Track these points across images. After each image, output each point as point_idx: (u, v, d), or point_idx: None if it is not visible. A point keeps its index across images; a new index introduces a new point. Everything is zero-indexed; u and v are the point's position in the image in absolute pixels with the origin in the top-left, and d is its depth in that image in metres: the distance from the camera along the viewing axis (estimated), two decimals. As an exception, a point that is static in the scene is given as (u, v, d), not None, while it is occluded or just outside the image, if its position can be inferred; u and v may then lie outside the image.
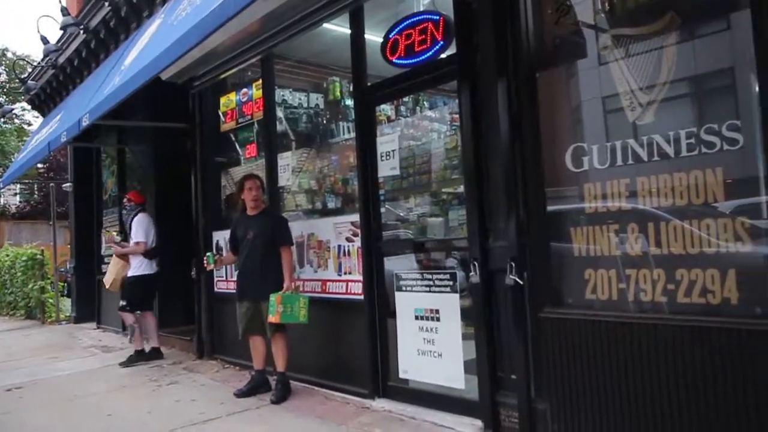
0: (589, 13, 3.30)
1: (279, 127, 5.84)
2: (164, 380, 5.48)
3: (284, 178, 5.56)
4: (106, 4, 7.54)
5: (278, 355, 4.50)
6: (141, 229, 6.33)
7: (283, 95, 5.94)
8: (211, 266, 4.99)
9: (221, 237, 5.86)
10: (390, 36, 4.20)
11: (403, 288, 4.07)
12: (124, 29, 7.68)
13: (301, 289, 4.72)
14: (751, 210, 2.61)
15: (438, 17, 3.89)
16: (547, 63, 3.44)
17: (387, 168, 4.36)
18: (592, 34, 3.28)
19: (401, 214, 4.71)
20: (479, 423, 3.45)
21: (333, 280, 4.69)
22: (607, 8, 3.24)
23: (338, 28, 4.82)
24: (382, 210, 4.49)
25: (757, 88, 2.56)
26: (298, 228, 5.03)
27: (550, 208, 3.34)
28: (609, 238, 3.08)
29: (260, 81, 5.75)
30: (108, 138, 9.30)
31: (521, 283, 3.26)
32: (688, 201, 2.79)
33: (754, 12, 2.56)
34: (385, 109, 4.84)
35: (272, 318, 4.31)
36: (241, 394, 4.60)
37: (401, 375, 4.10)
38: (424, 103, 5.01)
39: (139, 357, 6.31)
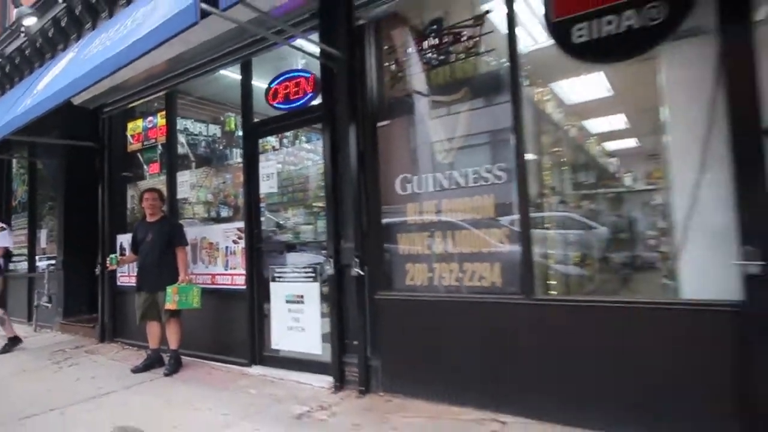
0: (415, 83, 3.54)
1: (180, 150, 5.45)
2: (66, 363, 4.75)
3: (183, 192, 5.19)
4: (22, 34, 6.50)
5: (171, 337, 4.15)
6: None
7: (185, 124, 5.58)
8: (114, 266, 4.47)
9: (125, 239, 5.28)
10: (272, 85, 4.13)
11: (277, 279, 3.99)
12: (38, 58, 6.68)
13: (194, 281, 4.42)
14: (509, 223, 2.97)
15: (309, 75, 3.91)
16: (385, 116, 3.61)
17: (267, 186, 4.29)
18: (417, 98, 3.51)
19: (280, 222, 4.65)
20: (330, 379, 3.47)
21: (221, 274, 4.46)
22: (426, 81, 3.49)
23: (232, 74, 4.64)
24: (263, 219, 4.39)
25: (513, 143, 2.92)
26: (193, 232, 4.71)
27: (384, 220, 3.50)
28: (423, 241, 3.31)
29: (164, 112, 5.31)
30: (20, 150, 7.94)
31: (363, 274, 3.36)
32: (473, 216, 3.11)
33: (512, 93, 2.93)
34: (271, 140, 4.74)
35: (169, 305, 3.98)
36: (138, 370, 4.16)
37: (273, 346, 3.99)
38: (302, 137, 5.01)
39: (13, 343, 5.46)
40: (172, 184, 5.09)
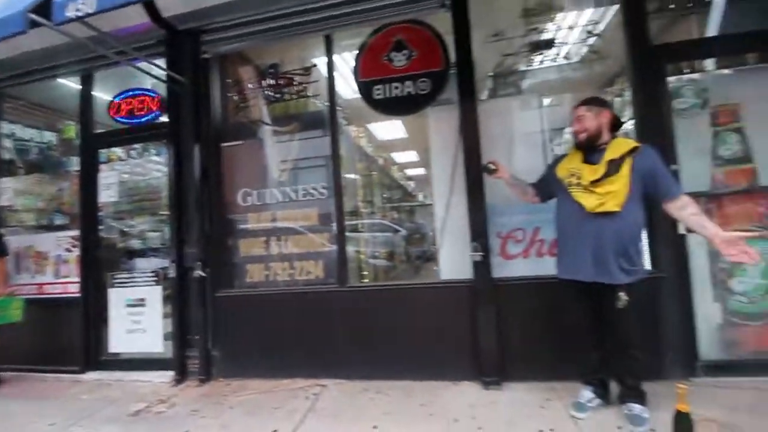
0: (255, 113, 3.70)
1: (6, 155, 4.49)
2: None
3: (7, 199, 4.29)
4: None
5: (-14, 353, 3.40)
6: None
7: (12, 129, 4.62)
8: None
9: None
10: (115, 99, 3.80)
11: (117, 285, 3.64)
12: None
13: (16, 293, 3.70)
14: (330, 229, 3.34)
15: (155, 94, 3.72)
16: (229, 138, 3.66)
17: (107, 195, 3.88)
18: (257, 125, 3.67)
19: (125, 229, 4.21)
20: (172, 373, 3.33)
21: (50, 283, 3.82)
22: (265, 112, 3.68)
23: (73, 84, 4.07)
24: (104, 227, 3.93)
25: (332, 168, 3.33)
26: (17, 241, 3.94)
27: (227, 227, 3.55)
28: (261, 245, 3.47)
29: (-14, 114, 4.33)
30: None
31: (205, 275, 3.35)
32: (302, 223, 3.40)
33: (332, 130, 3.35)
34: (117, 150, 4.28)
35: (-16, 322, 3.27)
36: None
37: (112, 350, 3.61)
38: (152, 149, 4.63)
39: None
40: (-10, 191, 4.15)
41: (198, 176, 3.40)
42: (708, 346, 2.68)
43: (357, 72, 3.34)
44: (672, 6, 2.97)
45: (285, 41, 3.47)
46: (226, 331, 3.33)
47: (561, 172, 2.30)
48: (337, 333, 3.13)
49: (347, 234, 3.35)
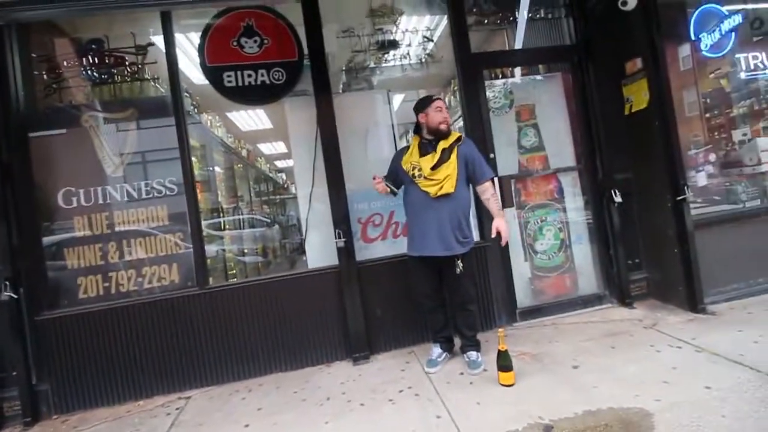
0: (76, 96, 3.12)
1: None
2: None
3: None
4: None
5: None
6: None
7: None
8: None
9: None
10: None
11: None
12: None
13: None
14: (184, 228, 3.07)
15: None
16: (40, 126, 3.00)
17: None
18: (80, 111, 3.07)
19: None
20: (-23, 425, 2.65)
21: None
22: (90, 96, 3.14)
23: None
24: None
25: (181, 161, 3.04)
26: None
27: (46, 237, 2.94)
28: (95, 253, 2.99)
29: None
30: None
31: (16, 297, 2.73)
32: (148, 224, 3.04)
33: (177, 118, 3.04)
34: None
35: None
36: None
37: None
38: None
39: None
40: None
41: (-4, 176, 2.71)
42: (523, 297, 3.41)
43: (203, 56, 3.11)
44: (486, 21, 3.57)
45: (107, 14, 2.98)
46: (56, 359, 2.79)
47: (405, 164, 2.60)
48: (201, 339, 2.94)
49: (210, 232, 3.13)
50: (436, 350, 2.76)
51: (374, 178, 2.68)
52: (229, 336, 2.95)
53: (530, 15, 3.60)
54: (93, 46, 3.13)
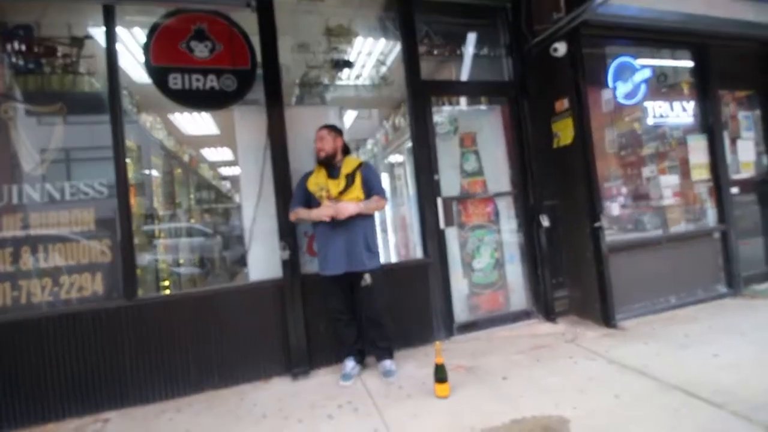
0: (-8, 83, 2.81)
1: None
2: None
3: None
4: None
5: None
6: None
7: None
8: None
9: None
10: None
11: None
12: None
13: None
14: (112, 235, 2.84)
15: None
16: (-56, 113, 2.68)
17: None
18: (-2, 100, 2.79)
19: None
20: None
21: None
22: (11, 85, 2.85)
23: None
24: None
25: (114, 162, 2.84)
26: None
27: (-58, 236, 2.58)
28: (5, 258, 2.67)
29: None
30: None
31: None
32: (71, 229, 2.79)
33: (113, 116, 2.85)
34: None
35: None
36: None
37: None
38: None
39: None
40: None
41: None
42: (460, 311, 3.56)
43: (148, 55, 2.97)
44: (436, 52, 3.80)
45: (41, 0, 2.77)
46: (-58, 378, 2.42)
47: (311, 186, 2.75)
48: (125, 355, 2.71)
49: (142, 240, 2.93)
50: (350, 363, 2.85)
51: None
52: (158, 352, 2.75)
53: (475, 51, 3.89)
54: (20, 32, 2.87)
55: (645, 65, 4.01)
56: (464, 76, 3.92)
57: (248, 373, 2.90)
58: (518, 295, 3.74)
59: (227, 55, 3.14)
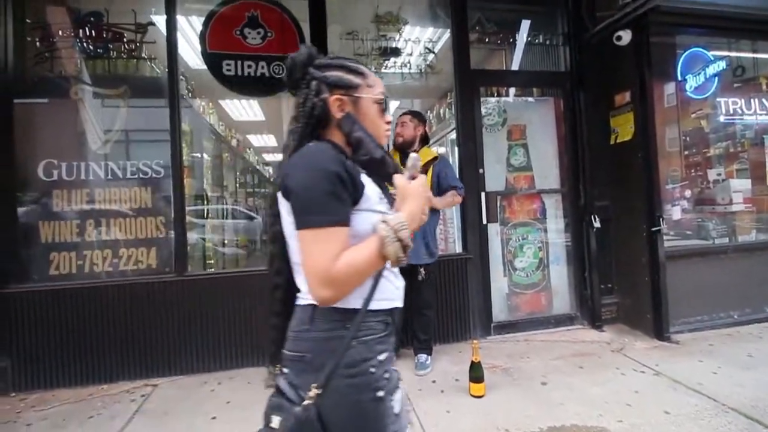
0: (66, 66, 3.04)
1: None
2: None
3: None
4: None
5: None
6: None
7: None
8: None
9: None
10: None
11: None
12: None
13: None
14: (167, 213, 3.00)
15: None
16: (26, 93, 2.93)
17: None
18: (69, 82, 3.00)
19: None
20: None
21: None
22: (82, 68, 3.06)
23: None
24: None
25: (170, 144, 2.99)
26: None
27: (21, 207, 2.85)
28: (72, 229, 2.90)
29: None
30: None
31: (-17, 266, 2.62)
32: (131, 205, 2.98)
33: (171, 101, 3.00)
34: None
35: None
36: None
37: None
38: None
39: None
40: None
41: (-28, 139, 2.61)
42: (499, 311, 3.47)
43: (205, 42, 3.09)
44: (487, 40, 3.66)
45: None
46: (19, 335, 2.69)
47: None
48: (174, 326, 2.88)
49: (192, 219, 3.08)
50: None
51: None
52: (203, 327, 2.90)
53: (529, 39, 3.72)
54: (91, 19, 3.06)
55: (720, 57, 3.66)
56: (516, 66, 3.76)
57: (285, 354, 2.98)
58: (562, 299, 3.59)
59: (278, 42, 3.19)
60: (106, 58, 3.10)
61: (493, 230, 3.45)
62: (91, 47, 3.06)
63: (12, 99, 2.86)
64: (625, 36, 3.18)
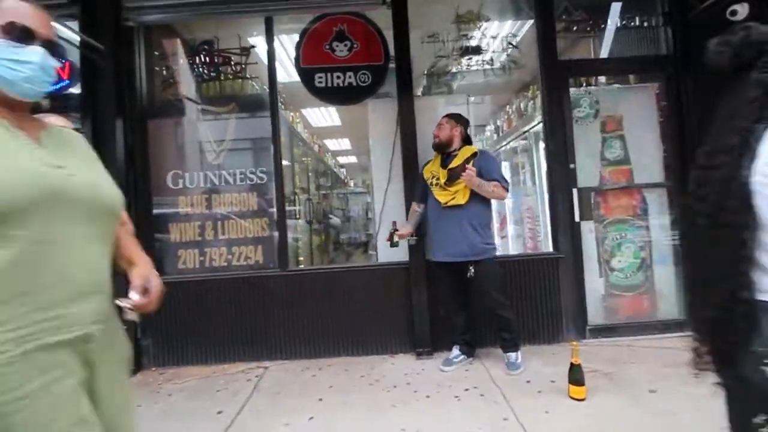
0: (186, 90, 3.54)
1: None
2: None
3: None
4: None
5: None
6: None
7: None
8: None
9: None
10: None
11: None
12: None
13: None
14: (270, 214, 3.36)
15: (64, 61, 3.34)
16: (157, 115, 3.46)
17: None
18: (189, 103, 3.51)
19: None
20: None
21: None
22: (198, 90, 3.54)
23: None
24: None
25: (272, 152, 3.33)
26: None
27: (156, 211, 3.38)
28: (194, 230, 3.37)
29: None
30: None
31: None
32: (241, 208, 3.38)
33: (272, 113, 3.35)
34: None
35: None
36: None
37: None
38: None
39: None
40: None
41: (122, 155, 3.17)
42: (594, 313, 3.30)
43: (299, 58, 3.38)
44: (575, 28, 3.51)
45: (219, 18, 3.36)
46: (157, 318, 3.19)
47: (426, 174, 2.83)
48: (278, 315, 3.20)
49: (287, 220, 3.40)
50: (455, 351, 2.87)
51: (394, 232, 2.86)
52: (303, 317, 3.18)
53: (623, 23, 3.48)
54: (205, 47, 3.53)
55: None
56: (606, 53, 3.54)
57: (376, 346, 3.16)
58: (669, 303, 3.30)
59: (363, 52, 3.39)
60: (216, 80, 3.55)
61: (587, 228, 3.29)
62: (205, 71, 3.52)
63: (147, 119, 3.40)
64: (742, 10, 2.84)
